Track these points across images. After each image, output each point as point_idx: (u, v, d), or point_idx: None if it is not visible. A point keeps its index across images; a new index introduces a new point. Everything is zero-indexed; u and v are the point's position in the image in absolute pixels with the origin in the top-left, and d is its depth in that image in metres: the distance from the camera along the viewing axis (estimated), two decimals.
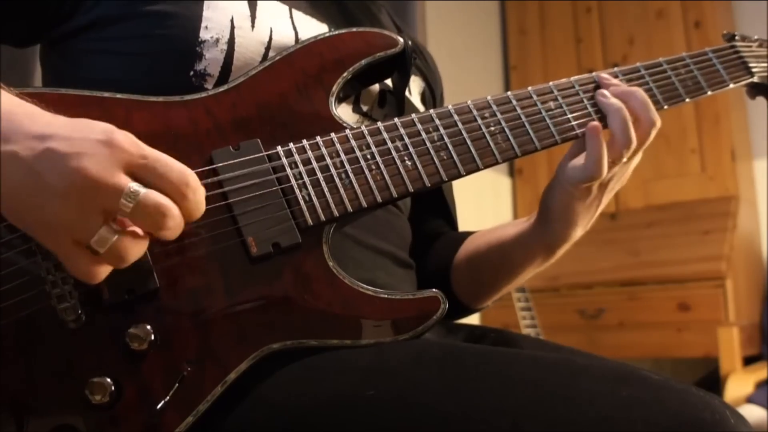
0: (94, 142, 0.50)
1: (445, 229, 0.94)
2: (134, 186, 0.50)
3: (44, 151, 0.50)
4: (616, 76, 0.81)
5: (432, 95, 0.91)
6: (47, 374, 0.54)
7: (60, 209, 0.50)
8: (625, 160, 0.75)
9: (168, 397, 0.55)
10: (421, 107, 0.86)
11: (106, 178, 0.49)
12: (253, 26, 0.71)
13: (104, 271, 0.53)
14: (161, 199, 0.51)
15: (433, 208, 0.93)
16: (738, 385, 2.29)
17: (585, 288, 2.76)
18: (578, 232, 0.81)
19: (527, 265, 0.84)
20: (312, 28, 0.77)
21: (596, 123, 0.74)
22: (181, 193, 0.53)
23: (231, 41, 0.69)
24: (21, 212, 0.51)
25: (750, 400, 2.21)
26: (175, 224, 0.52)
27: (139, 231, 0.53)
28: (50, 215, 0.50)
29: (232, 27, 0.70)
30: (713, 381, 2.40)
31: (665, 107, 0.83)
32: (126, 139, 0.51)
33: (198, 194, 0.54)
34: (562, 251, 0.83)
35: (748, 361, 2.49)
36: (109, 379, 0.54)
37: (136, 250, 0.52)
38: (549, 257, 0.83)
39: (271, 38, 0.72)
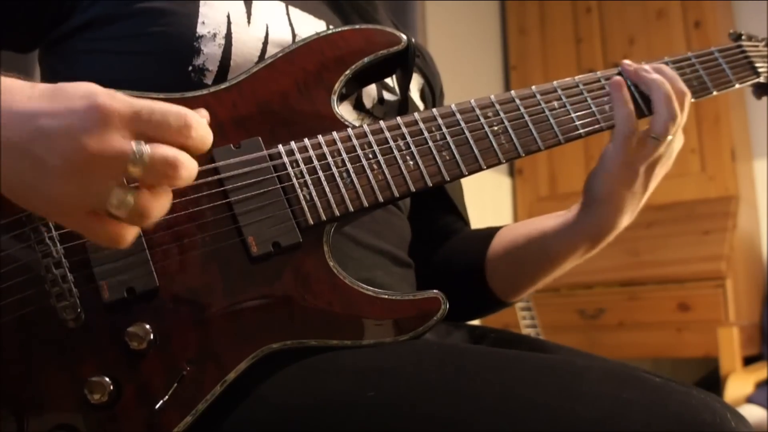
0: (81, 111, 0.48)
1: (460, 226, 0.93)
2: (137, 147, 0.48)
3: (35, 131, 0.48)
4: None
5: (431, 93, 0.91)
6: (46, 373, 0.54)
7: (67, 187, 0.48)
8: (670, 137, 0.75)
9: (167, 397, 0.55)
10: (420, 105, 0.86)
11: (107, 148, 0.47)
12: (249, 22, 0.71)
13: (132, 233, 0.51)
14: (168, 153, 0.49)
15: (446, 205, 0.92)
16: (738, 385, 2.29)
17: (585, 288, 2.76)
18: (625, 220, 0.80)
19: (570, 256, 0.83)
20: (309, 25, 0.77)
21: (618, 78, 0.76)
22: (184, 135, 0.50)
23: (228, 36, 0.69)
24: (27, 195, 0.50)
25: (750, 400, 2.21)
26: (188, 171, 0.50)
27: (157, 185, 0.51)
28: (58, 195, 0.48)
29: (229, 23, 0.70)
30: (713, 381, 2.40)
31: None
32: (111, 100, 0.48)
33: (201, 129, 0.51)
34: (606, 241, 0.82)
35: (748, 361, 2.49)
36: (108, 379, 0.54)
37: (158, 204, 0.50)
38: (593, 247, 0.82)
39: (267, 35, 0.72)
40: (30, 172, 0.48)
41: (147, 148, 0.48)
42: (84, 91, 0.49)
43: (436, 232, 0.91)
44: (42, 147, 0.47)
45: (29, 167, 0.48)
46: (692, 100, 0.84)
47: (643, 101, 0.78)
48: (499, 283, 0.87)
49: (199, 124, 0.51)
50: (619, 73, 0.79)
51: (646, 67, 0.79)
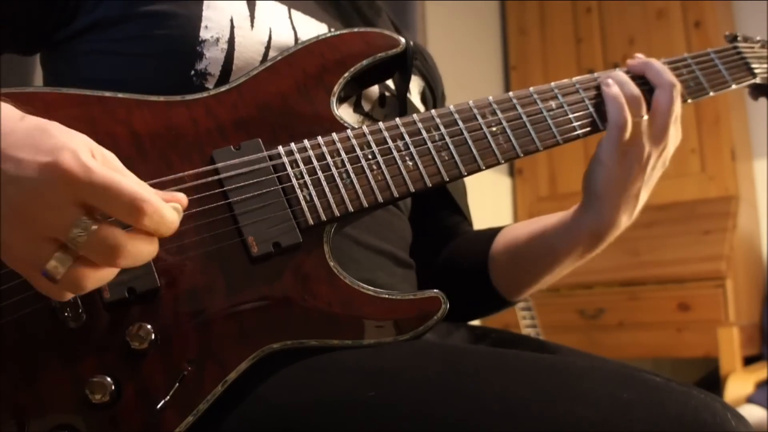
0: (40, 166, 0.47)
1: (464, 226, 0.94)
2: (79, 222, 0.47)
3: (1, 173, 0.47)
4: None
5: (432, 95, 0.91)
6: (47, 373, 0.54)
7: (11, 234, 0.48)
8: (645, 117, 0.76)
9: (168, 397, 0.55)
10: (421, 107, 0.86)
11: (50, 211, 0.47)
12: (252, 26, 0.71)
13: (68, 294, 0.50)
14: (110, 237, 0.47)
15: (449, 206, 0.92)
16: (738, 385, 2.29)
17: (585, 288, 2.76)
18: (624, 218, 0.80)
19: (571, 254, 0.83)
20: (311, 28, 0.77)
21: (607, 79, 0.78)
22: (133, 219, 0.48)
23: (231, 40, 0.69)
24: None
25: (750, 400, 2.21)
26: (132, 258, 0.49)
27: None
28: (6, 240, 0.48)
29: (232, 26, 0.70)
30: (713, 381, 2.40)
31: None
32: (72, 161, 0.47)
33: (157, 215, 0.49)
34: (607, 241, 0.82)
35: (748, 361, 2.49)
36: (109, 379, 0.54)
37: (94, 278, 0.49)
38: (594, 245, 0.82)
39: (270, 38, 0.72)
40: None
41: (90, 226, 0.47)
42: (54, 146, 0.47)
43: (441, 233, 0.91)
44: (2, 191, 0.47)
45: None
46: (689, 101, 0.85)
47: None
48: (502, 282, 0.87)
49: (155, 210, 0.48)
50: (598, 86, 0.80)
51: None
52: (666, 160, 0.81)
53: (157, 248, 0.51)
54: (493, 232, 0.90)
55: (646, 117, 0.76)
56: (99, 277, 0.50)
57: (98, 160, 0.49)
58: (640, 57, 0.82)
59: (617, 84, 0.77)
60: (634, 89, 0.77)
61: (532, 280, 0.87)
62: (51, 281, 0.48)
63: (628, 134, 0.75)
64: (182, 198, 0.54)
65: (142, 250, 0.50)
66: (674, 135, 0.80)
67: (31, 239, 0.48)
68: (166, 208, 0.50)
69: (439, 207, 0.91)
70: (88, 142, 0.49)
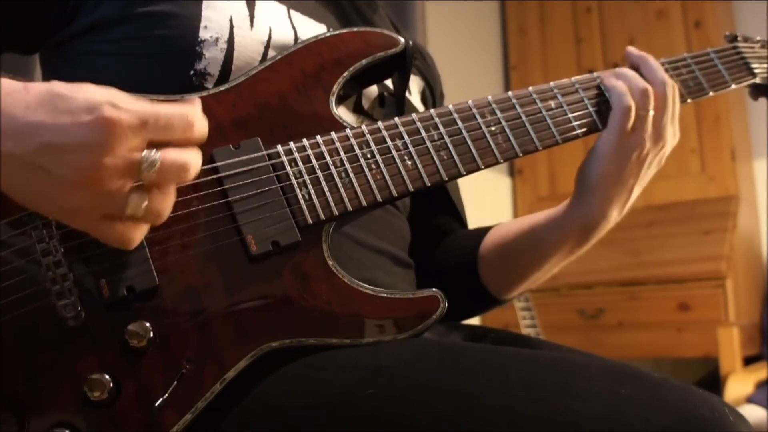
0: (88, 126, 0.48)
1: (455, 226, 0.94)
2: (147, 156, 0.50)
3: (40, 146, 0.48)
4: None
5: (432, 95, 0.91)
6: (46, 371, 0.54)
7: (81, 197, 0.49)
8: (651, 111, 0.76)
9: (167, 395, 0.55)
10: (421, 107, 0.86)
11: (119, 161, 0.49)
12: (252, 26, 0.71)
13: (141, 233, 0.54)
14: (178, 158, 0.51)
15: (442, 205, 0.92)
16: (738, 385, 2.29)
17: (585, 288, 2.76)
18: (615, 212, 0.80)
19: (560, 248, 0.83)
20: (310, 28, 0.77)
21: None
22: (188, 136, 0.53)
23: (230, 40, 0.69)
24: (40, 204, 0.51)
25: (750, 400, 2.21)
26: (196, 170, 0.53)
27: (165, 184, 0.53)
28: (72, 203, 0.49)
29: (231, 26, 0.70)
30: (713, 381, 2.40)
31: None
32: (116, 111, 0.49)
33: (202, 125, 0.54)
34: (597, 236, 0.82)
35: (748, 361, 2.49)
36: (108, 376, 0.54)
37: (168, 203, 0.53)
38: (583, 240, 0.82)
39: (270, 38, 0.72)
40: (40, 183, 0.49)
41: (157, 156, 0.50)
42: (87, 103, 0.49)
43: (432, 232, 0.91)
44: (52, 161, 0.48)
45: (39, 179, 0.49)
46: (689, 101, 0.85)
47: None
48: (491, 280, 0.87)
49: (200, 119, 0.54)
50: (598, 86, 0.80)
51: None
52: (662, 159, 0.81)
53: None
54: (482, 231, 0.90)
55: (652, 112, 0.76)
56: (171, 201, 0.54)
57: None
58: (638, 51, 0.82)
59: (623, 77, 0.78)
60: (642, 82, 0.77)
61: (521, 277, 0.87)
62: (131, 222, 0.51)
63: (631, 123, 0.76)
64: (198, 101, 0.57)
65: (198, 161, 0.54)
66: (672, 134, 0.80)
67: (104, 193, 0.49)
68: (204, 121, 0.55)
69: (431, 206, 0.91)
70: (103, 90, 0.51)
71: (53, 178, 0.48)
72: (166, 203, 0.53)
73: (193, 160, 0.53)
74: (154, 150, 0.50)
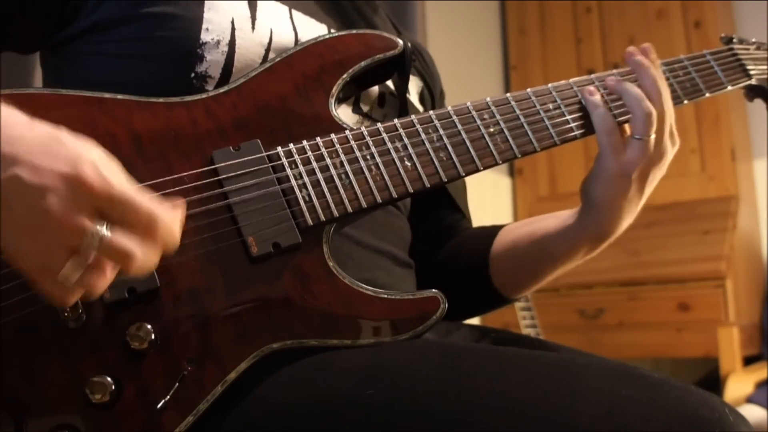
0: (60, 176, 0.47)
1: (463, 224, 0.94)
2: (97, 230, 0.48)
3: (11, 178, 0.47)
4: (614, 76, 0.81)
5: (431, 95, 0.91)
6: (47, 373, 0.54)
7: (25, 240, 0.48)
8: (653, 135, 0.75)
9: (168, 397, 0.55)
10: (420, 107, 0.87)
11: (69, 220, 0.47)
12: (253, 28, 0.71)
13: (73, 298, 0.51)
14: (124, 245, 0.49)
15: (448, 205, 0.92)
16: (738, 385, 2.29)
17: (585, 288, 2.76)
18: (625, 224, 0.81)
19: (572, 257, 0.83)
20: (312, 28, 0.77)
21: (590, 87, 0.77)
22: (148, 233, 0.50)
23: (232, 43, 0.69)
24: None
25: (750, 400, 2.21)
26: (140, 266, 0.50)
27: (107, 266, 0.50)
28: (17, 243, 0.48)
29: (233, 29, 0.70)
30: (713, 381, 2.40)
31: None
32: (94, 175, 0.48)
33: (167, 230, 0.51)
34: (607, 244, 0.82)
35: (748, 361, 2.49)
36: (109, 379, 0.54)
37: (103, 283, 0.51)
38: (594, 248, 0.83)
39: (271, 39, 0.72)
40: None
41: (106, 234, 0.48)
42: (73, 155, 0.48)
43: (439, 232, 0.91)
44: (13, 195, 0.47)
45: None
46: (686, 101, 0.85)
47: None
48: (503, 281, 0.87)
49: (166, 225, 0.51)
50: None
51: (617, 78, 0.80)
52: (665, 167, 0.81)
53: (159, 258, 0.52)
54: (492, 231, 0.90)
55: (653, 137, 0.76)
56: (106, 280, 0.51)
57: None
58: (639, 57, 0.80)
59: (597, 96, 0.77)
60: (648, 106, 0.75)
61: (533, 280, 0.88)
62: (63, 286, 0.49)
63: (616, 138, 0.75)
64: (182, 205, 0.55)
65: (150, 258, 0.51)
66: (671, 144, 0.79)
67: (46, 247, 0.48)
68: (176, 224, 0.52)
69: (437, 205, 0.91)
70: (101, 154, 0.50)
71: (8, 213, 0.48)
72: (99, 282, 0.50)
73: (141, 258, 0.50)
74: (106, 227, 0.48)
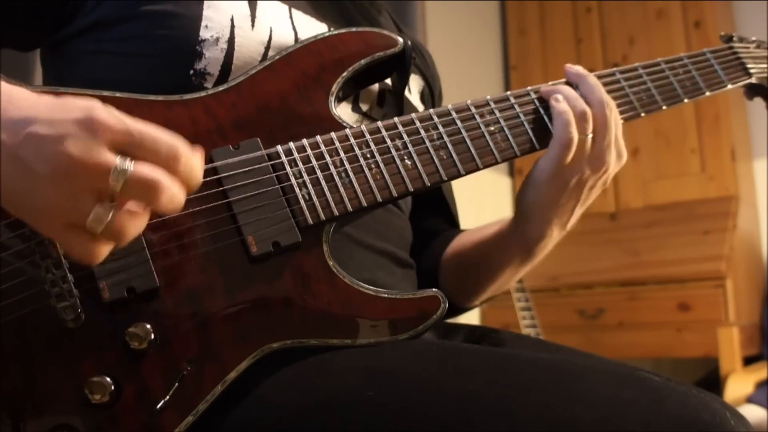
0: (75, 121, 0.48)
1: (443, 228, 0.94)
2: (120, 164, 0.48)
3: (26, 136, 0.48)
4: (614, 75, 0.81)
5: (431, 94, 0.91)
6: (46, 373, 0.54)
7: (49, 194, 0.48)
8: (590, 135, 0.73)
9: (168, 397, 0.55)
10: (420, 106, 0.86)
11: (91, 159, 0.47)
12: (253, 26, 0.71)
13: (105, 250, 0.51)
14: (150, 175, 0.48)
15: (432, 206, 0.92)
16: (738, 385, 2.29)
17: (585, 288, 2.76)
18: (555, 231, 0.79)
19: (506, 265, 0.83)
20: (311, 27, 0.77)
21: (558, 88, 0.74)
22: (171, 163, 0.50)
23: (231, 40, 0.69)
24: (12, 199, 0.50)
25: (750, 400, 2.20)
26: (169, 197, 0.50)
27: (136, 206, 0.50)
28: (40, 200, 0.48)
29: (232, 26, 0.70)
30: (713, 381, 2.40)
31: (663, 107, 0.83)
32: (108, 115, 0.48)
33: (190, 164, 0.51)
34: (542, 252, 0.81)
35: (748, 361, 2.49)
36: (108, 379, 0.54)
37: (134, 225, 0.50)
38: (528, 257, 0.82)
39: (270, 38, 0.72)
40: (17, 177, 0.48)
41: (130, 166, 0.48)
42: (84, 104, 0.49)
43: (422, 234, 0.91)
44: (30, 152, 0.48)
45: (17, 172, 0.48)
46: (686, 100, 0.85)
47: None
48: (448, 287, 0.87)
49: (189, 158, 0.51)
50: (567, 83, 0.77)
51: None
52: (607, 181, 0.78)
53: (184, 200, 0.52)
54: (450, 237, 0.90)
55: (590, 136, 0.73)
56: (138, 223, 0.51)
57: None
58: (577, 68, 0.77)
59: (566, 99, 0.74)
60: (582, 104, 0.73)
61: (476, 288, 0.87)
62: (92, 236, 0.49)
63: (572, 154, 0.72)
64: (201, 151, 0.54)
65: (176, 192, 0.50)
66: (616, 156, 0.76)
67: (71, 194, 0.48)
68: (196, 158, 0.52)
69: (424, 206, 0.91)
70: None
71: (29, 172, 0.48)
72: (130, 223, 0.50)
73: (168, 186, 0.49)
74: (129, 161, 0.48)
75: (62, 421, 0.53)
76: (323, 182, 0.64)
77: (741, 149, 2.85)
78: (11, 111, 0.49)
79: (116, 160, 0.48)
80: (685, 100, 0.85)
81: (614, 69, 0.82)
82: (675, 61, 0.86)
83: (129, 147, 0.49)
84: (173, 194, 0.50)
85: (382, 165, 0.66)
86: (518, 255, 0.82)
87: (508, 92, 0.75)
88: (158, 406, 0.54)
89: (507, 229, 0.82)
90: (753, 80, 0.93)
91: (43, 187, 0.48)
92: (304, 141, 0.65)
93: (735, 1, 3.06)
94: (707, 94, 0.87)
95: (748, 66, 0.93)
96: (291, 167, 0.63)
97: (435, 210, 0.93)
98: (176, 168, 0.50)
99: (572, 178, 0.74)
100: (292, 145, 0.64)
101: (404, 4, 2.57)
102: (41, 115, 0.49)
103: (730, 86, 0.90)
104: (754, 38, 0.98)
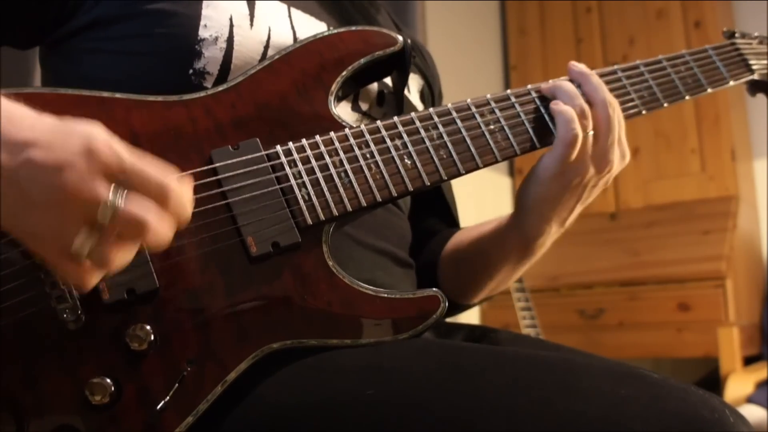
0: (73, 151, 0.48)
1: (441, 227, 0.94)
2: (111, 198, 0.48)
3: (25, 161, 0.48)
4: (615, 73, 0.81)
5: (431, 93, 0.91)
6: (47, 375, 0.54)
7: (41, 220, 0.49)
8: (590, 132, 0.73)
9: (168, 397, 0.55)
10: (420, 105, 0.86)
11: (84, 191, 0.48)
12: (251, 25, 0.71)
13: (94, 278, 0.51)
14: (138, 214, 0.49)
15: (431, 206, 0.92)
16: (738, 385, 2.29)
17: (585, 288, 2.76)
18: (554, 228, 0.79)
19: (504, 262, 0.83)
20: (310, 27, 0.77)
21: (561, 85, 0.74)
22: (161, 202, 0.51)
23: (230, 39, 0.69)
24: (9, 220, 0.50)
25: (750, 400, 2.20)
26: (154, 236, 0.50)
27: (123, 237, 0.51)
28: (32, 225, 0.49)
29: (231, 25, 0.70)
30: (713, 381, 2.40)
31: (665, 105, 0.82)
32: (105, 148, 0.49)
33: (180, 201, 0.52)
34: (540, 249, 0.81)
35: (748, 361, 2.49)
36: (108, 380, 0.54)
37: (121, 255, 0.51)
38: (525, 254, 0.82)
39: (269, 37, 0.72)
40: (13, 199, 0.49)
41: (121, 202, 0.49)
42: (85, 133, 0.50)
43: (421, 233, 0.91)
44: (26, 177, 0.48)
45: (13, 193, 0.49)
46: (687, 97, 0.84)
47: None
48: (446, 284, 0.87)
49: (179, 195, 0.52)
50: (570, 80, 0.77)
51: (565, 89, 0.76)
52: (609, 180, 0.78)
53: (171, 236, 0.52)
54: (448, 235, 0.90)
55: (591, 132, 0.73)
56: (123, 255, 0.51)
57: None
58: (580, 66, 0.77)
59: (566, 95, 0.73)
60: (582, 102, 0.73)
61: (474, 285, 0.87)
62: (77, 259, 0.49)
63: (576, 152, 0.72)
64: (190, 184, 0.55)
65: (165, 229, 0.51)
66: (619, 156, 0.76)
67: (61, 222, 0.49)
68: (186, 193, 0.53)
69: (424, 205, 0.91)
70: (109, 134, 0.51)
71: (24, 196, 0.48)
72: (116, 254, 0.50)
73: (154, 224, 0.50)
74: (121, 195, 0.49)
75: (63, 421, 0.53)
76: (323, 182, 0.64)
77: (741, 149, 2.85)
78: (11, 132, 0.49)
79: (108, 194, 0.48)
80: (687, 97, 0.84)
81: (616, 66, 0.81)
82: (676, 58, 0.85)
83: (122, 182, 0.50)
84: (159, 233, 0.51)
85: (381, 165, 0.66)
86: (516, 251, 0.82)
87: (509, 91, 0.74)
88: (158, 407, 0.54)
89: (505, 226, 0.81)
90: (755, 77, 0.93)
91: (36, 213, 0.49)
92: (304, 141, 0.65)
93: (735, 1, 3.06)
94: (709, 90, 0.86)
95: (751, 62, 0.92)
96: (290, 168, 0.63)
97: (435, 210, 0.93)
98: (166, 204, 0.51)
99: (576, 176, 0.74)
100: (291, 145, 0.64)
101: (404, 4, 2.57)
102: (41, 138, 0.49)
103: (732, 83, 0.89)
104: (756, 34, 0.97)
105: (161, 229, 0.51)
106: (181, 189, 0.52)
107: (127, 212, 0.49)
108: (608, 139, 0.74)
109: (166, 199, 0.51)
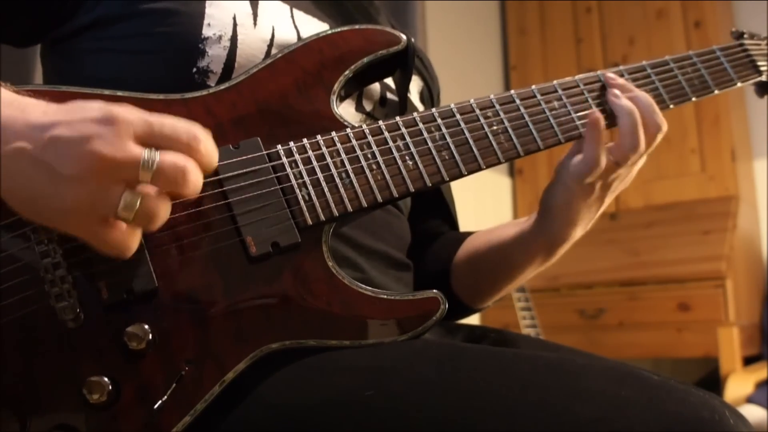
0: (95, 121, 0.50)
1: (443, 229, 0.94)
2: (148, 154, 0.50)
3: (50, 140, 0.49)
4: (621, 75, 0.80)
5: (430, 95, 0.91)
6: (45, 373, 0.54)
7: (78, 192, 0.49)
8: (629, 163, 0.74)
9: (166, 397, 0.55)
10: (420, 107, 0.86)
11: (120, 154, 0.49)
12: (255, 24, 0.71)
13: (137, 239, 0.53)
14: (178, 161, 0.51)
15: (432, 207, 0.92)
16: (738, 385, 2.29)
17: (585, 288, 2.76)
18: (578, 232, 0.80)
19: (527, 265, 0.83)
20: (313, 27, 0.77)
21: (598, 115, 0.73)
22: (193, 148, 0.52)
23: (234, 38, 0.69)
24: (37, 205, 0.51)
25: (750, 400, 2.21)
26: (195, 180, 0.52)
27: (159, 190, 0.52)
28: (68, 201, 0.49)
29: (235, 24, 0.70)
30: (713, 381, 2.40)
31: (671, 106, 0.82)
32: (125, 111, 0.51)
33: (209, 145, 0.54)
34: (562, 251, 0.82)
35: (748, 361, 2.49)
36: (107, 379, 0.54)
37: (164, 207, 0.53)
38: (548, 257, 0.83)
39: (273, 36, 0.72)
40: (42, 182, 0.49)
41: (157, 155, 0.50)
42: (99, 105, 0.51)
43: (422, 235, 0.91)
44: (55, 155, 0.49)
45: (41, 176, 0.49)
46: (693, 99, 0.84)
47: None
48: (463, 289, 0.87)
49: (208, 139, 0.54)
50: (603, 85, 0.78)
51: (629, 85, 0.77)
52: (628, 181, 0.79)
53: (202, 178, 0.54)
54: (460, 238, 0.90)
55: (629, 162, 0.74)
56: (167, 205, 0.53)
57: None
58: (623, 83, 0.78)
59: (598, 133, 0.73)
60: (654, 106, 0.74)
61: (491, 289, 0.88)
62: (119, 225, 0.51)
63: (594, 178, 0.73)
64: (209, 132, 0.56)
65: (199, 176, 0.53)
66: (640, 160, 0.77)
67: (98, 190, 0.50)
68: (213, 144, 0.55)
69: (424, 207, 0.91)
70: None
71: (54, 175, 0.49)
72: (160, 207, 0.52)
73: (194, 169, 0.52)
74: (155, 150, 0.50)
75: (61, 420, 0.53)
76: (323, 183, 0.63)
77: (741, 149, 2.85)
78: (27, 118, 0.50)
79: (143, 152, 0.50)
80: (693, 99, 0.83)
81: (621, 68, 0.81)
82: (683, 59, 0.85)
83: (151, 138, 0.51)
84: (198, 178, 0.53)
85: (383, 165, 0.66)
86: (540, 255, 0.82)
87: (512, 91, 0.74)
88: (156, 406, 0.54)
89: (529, 231, 0.82)
90: (763, 78, 0.91)
91: (71, 188, 0.49)
92: (305, 141, 0.64)
93: (735, 1, 3.06)
94: (716, 92, 0.86)
95: (759, 64, 0.91)
96: (291, 168, 0.63)
97: (435, 211, 0.93)
98: (197, 151, 0.53)
99: (599, 182, 0.75)
100: (292, 145, 0.64)
101: (404, 4, 2.57)
102: (58, 117, 0.50)
103: (740, 84, 0.88)
104: (765, 35, 0.96)
105: (196, 175, 0.52)
106: (207, 136, 0.54)
107: (167, 164, 0.50)
108: (650, 145, 0.75)
109: (197, 145, 0.53)
